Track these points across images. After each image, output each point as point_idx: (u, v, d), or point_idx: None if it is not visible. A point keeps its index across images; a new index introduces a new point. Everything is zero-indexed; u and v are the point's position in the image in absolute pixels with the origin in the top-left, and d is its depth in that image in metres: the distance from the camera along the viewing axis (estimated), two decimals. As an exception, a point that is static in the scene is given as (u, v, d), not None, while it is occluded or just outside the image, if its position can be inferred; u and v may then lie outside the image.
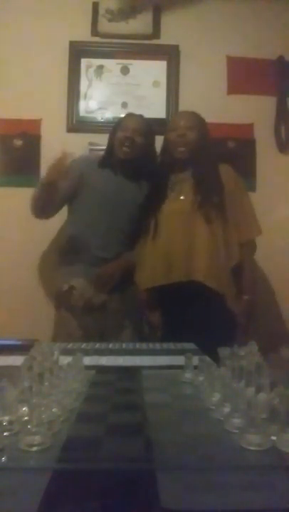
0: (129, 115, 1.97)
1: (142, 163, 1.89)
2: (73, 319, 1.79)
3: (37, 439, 0.54)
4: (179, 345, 1.25)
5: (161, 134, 2.25)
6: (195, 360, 0.86)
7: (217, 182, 1.76)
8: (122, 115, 2.24)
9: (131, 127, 1.86)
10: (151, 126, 1.95)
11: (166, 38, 2.33)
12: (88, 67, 2.31)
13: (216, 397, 0.70)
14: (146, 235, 1.79)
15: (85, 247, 1.82)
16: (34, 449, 0.54)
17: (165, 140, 1.87)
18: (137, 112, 2.27)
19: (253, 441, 0.54)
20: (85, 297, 1.78)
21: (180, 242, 1.72)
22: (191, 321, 1.60)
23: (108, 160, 1.90)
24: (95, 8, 2.29)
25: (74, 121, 2.27)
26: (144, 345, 1.30)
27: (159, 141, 2.24)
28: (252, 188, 2.19)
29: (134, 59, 2.31)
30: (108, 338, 1.71)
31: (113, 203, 1.84)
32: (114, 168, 1.89)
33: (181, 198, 1.78)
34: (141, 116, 1.96)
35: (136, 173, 1.90)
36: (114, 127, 1.92)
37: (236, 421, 0.60)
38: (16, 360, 0.88)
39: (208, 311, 1.62)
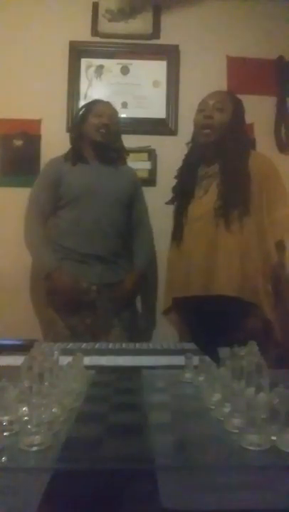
0: (99, 102, 1.98)
1: (115, 149, 1.94)
2: (60, 319, 1.77)
3: (37, 439, 0.54)
4: (179, 345, 1.25)
5: (160, 133, 2.27)
6: (195, 360, 0.86)
7: (244, 180, 1.54)
8: (123, 115, 2.26)
9: (107, 113, 1.89)
10: (118, 114, 2.00)
11: (166, 38, 2.33)
12: (88, 67, 2.30)
13: (216, 397, 0.70)
14: (174, 239, 1.67)
15: (71, 248, 1.81)
16: (34, 449, 0.54)
17: (194, 124, 1.67)
18: (137, 111, 2.29)
19: (253, 441, 0.54)
20: (73, 279, 1.76)
21: (200, 252, 1.54)
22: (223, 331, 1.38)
23: (78, 151, 1.90)
24: (95, 8, 2.29)
25: (74, 121, 2.26)
26: (144, 345, 1.29)
27: (159, 140, 2.26)
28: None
29: (134, 59, 2.31)
30: (97, 337, 1.70)
31: (94, 196, 1.83)
32: (86, 158, 1.89)
33: (204, 195, 1.60)
34: (110, 103, 1.98)
35: (110, 158, 1.91)
36: (82, 113, 1.93)
37: (236, 421, 0.60)
38: (16, 360, 0.88)
39: (242, 322, 1.44)
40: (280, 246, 1.58)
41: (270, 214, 1.55)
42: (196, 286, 1.53)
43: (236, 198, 1.52)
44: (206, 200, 1.60)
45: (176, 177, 1.76)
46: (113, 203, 1.86)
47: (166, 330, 1.95)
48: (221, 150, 1.58)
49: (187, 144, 1.75)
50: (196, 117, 1.65)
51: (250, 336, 1.31)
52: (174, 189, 1.75)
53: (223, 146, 1.57)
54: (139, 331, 1.96)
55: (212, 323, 1.37)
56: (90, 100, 2.02)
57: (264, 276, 1.52)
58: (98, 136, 1.85)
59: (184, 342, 1.51)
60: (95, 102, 1.97)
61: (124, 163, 2.00)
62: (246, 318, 1.45)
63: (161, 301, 1.83)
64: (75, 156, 1.88)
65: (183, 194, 1.68)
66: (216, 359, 0.80)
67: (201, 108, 1.64)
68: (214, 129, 1.58)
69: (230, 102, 1.63)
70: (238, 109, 1.64)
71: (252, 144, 2.10)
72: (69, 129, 2.25)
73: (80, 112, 1.96)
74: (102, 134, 1.85)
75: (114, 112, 1.95)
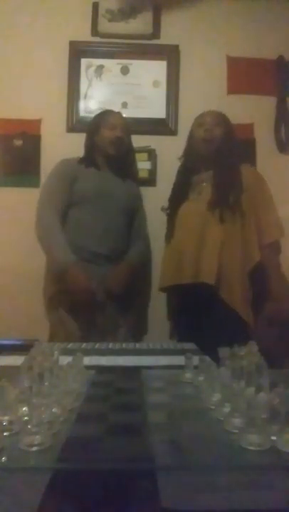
0: (111, 113, 2.01)
1: (126, 159, 1.98)
2: (72, 320, 1.78)
3: (37, 439, 0.54)
4: (179, 345, 1.25)
5: (160, 133, 2.27)
6: (195, 360, 0.86)
7: (236, 183, 1.74)
8: (124, 115, 2.25)
9: (119, 126, 1.92)
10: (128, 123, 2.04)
11: (166, 38, 2.33)
12: (88, 67, 2.30)
13: (216, 397, 0.70)
14: (166, 238, 1.84)
15: (82, 246, 1.81)
16: (34, 449, 0.54)
17: (190, 137, 1.87)
18: (137, 111, 2.29)
19: (253, 441, 0.54)
20: (85, 280, 1.75)
21: (192, 242, 1.70)
22: (202, 322, 1.61)
23: (91, 158, 1.93)
24: (95, 8, 2.29)
25: (74, 121, 2.26)
26: (144, 345, 1.29)
27: (159, 140, 2.25)
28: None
29: (134, 59, 2.31)
30: (105, 337, 1.71)
31: (104, 198, 1.86)
32: (98, 165, 1.92)
33: (197, 197, 1.78)
34: (120, 113, 2.02)
35: (120, 169, 1.95)
36: (95, 124, 1.96)
37: (236, 421, 0.60)
38: (16, 360, 0.88)
39: (218, 314, 1.61)
40: (274, 246, 1.74)
41: (261, 218, 1.73)
42: (186, 275, 1.69)
43: (229, 194, 1.71)
44: (199, 200, 1.77)
45: (173, 189, 1.92)
46: (120, 209, 1.91)
47: (166, 330, 1.95)
48: (216, 159, 1.78)
49: (179, 158, 1.92)
50: (195, 131, 1.84)
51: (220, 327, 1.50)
52: (170, 203, 1.90)
53: (219, 155, 1.78)
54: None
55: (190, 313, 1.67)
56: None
57: (242, 271, 1.67)
58: (112, 150, 1.90)
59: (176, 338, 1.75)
60: (108, 113, 2.00)
61: (132, 179, 2.04)
62: (209, 302, 1.64)
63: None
64: (89, 161, 1.92)
65: (177, 199, 1.85)
66: (216, 359, 0.80)
67: (200, 122, 1.84)
68: (214, 141, 1.79)
69: (223, 120, 1.85)
70: (230, 127, 1.86)
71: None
72: (69, 129, 2.25)
73: (93, 122, 1.99)
74: (115, 147, 1.90)
75: (127, 123, 1.98)
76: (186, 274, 1.69)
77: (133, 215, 1.99)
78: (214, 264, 1.64)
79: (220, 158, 1.77)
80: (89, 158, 1.94)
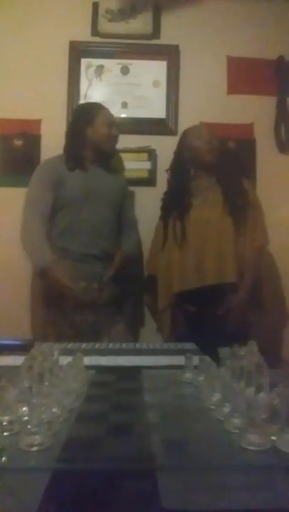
0: (103, 108, 1.95)
1: (114, 155, 1.99)
2: (62, 319, 1.77)
3: (37, 439, 0.54)
4: (179, 345, 1.25)
5: (160, 133, 2.27)
6: (195, 360, 0.86)
7: (242, 189, 1.88)
8: (123, 115, 2.26)
9: (115, 124, 1.92)
10: None
11: (166, 38, 2.32)
12: (88, 67, 2.30)
13: (216, 397, 0.70)
14: (172, 242, 1.86)
15: (72, 249, 1.81)
16: (34, 449, 0.54)
17: (191, 148, 1.93)
18: (137, 111, 2.29)
19: (253, 441, 0.54)
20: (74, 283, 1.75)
21: (210, 247, 1.81)
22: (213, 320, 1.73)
23: (76, 157, 1.88)
24: (95, 8, 2.29)
25: (74, 121, 2.26)
26: (144, 345, 1.30)
27: (159, 140, 2.26)
28: (252, 187, 2.19)
29: (134, 59, 2.31)
30: (100, 334, 1.71)
31: (92, 198, 1.84)
32: (85, 164, 1.88)
33: (203, 204, 1.88)
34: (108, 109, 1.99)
35: (108, 164, 1.95)
36: (87, 117, 1.89)
37: (236, 421, 0.60)
38: (16, 360, 0.88)
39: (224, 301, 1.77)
40: (260, 250, 1.90)
41: (250, 223, 1.85)
42: (209, 277, 1.79)
43: (239, 202, 1.84)
44: (208, 206, 1.87)
45: (165, 198, 1.99)
46: (108, 205, 1.89)
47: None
48: (218, 168, 1.90)
49: (166, 170, 2.00)
50: (196, 143, 1.91)
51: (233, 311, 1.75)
52: (163, 209, 1.97)
53: (220, 165, 1.90)
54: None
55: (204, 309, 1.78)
56: (89, 102, 2.02)
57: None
58: (108, 147, 1.90)
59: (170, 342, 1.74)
60: (100, 108, 1.94)
61: (117, 171, 2.04)
62: (228, 297, 1.78)
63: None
64: (73, 161, 1.87)
65: (177, 206, 1.90)
66: (216, 359, 0.80)
67: (198, 136, 1.92)
68: (216, 150, 1.90)
69: (214, 133, 1.96)
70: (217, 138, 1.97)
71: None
72: (70, 136, 2.24)
73: (84, 113, 1.92)
74: (112, 145, 1.91)
75: (116, 120, 1.98)
76: (208, 276, 1.79)
77: (121, 206, 1.97)
78: (234, 266, 1.79)
79: (222, 168, 1.91)
80: (75, 156, 1.88)
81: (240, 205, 1.84)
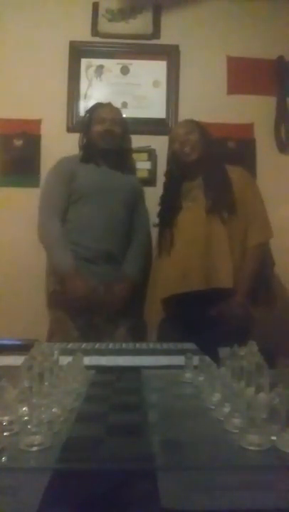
0: (101, 105, 2.00)
1: (123, 152, 1.97)
2: (69, 320, 1.77)
3: (37, 439, 0.54)
4: (179, 345, 1.25)
5: (160, 133, 2.27)
6: (195, 360, 0.86)
7: (226, 182, 1.76)
8: (123, 115, 2.25)
9: (108, 119, 1.91)
10: (121, 113, 2.03)
11: (166, 38, 2.33)
12: (88, 67, 2.30)
13: (216, 397, 0.70)
14: (163, 249, 1.80)
15: (82, 244, 1.81)
16: (34, 449, 0.54)
17: (170, 153, 1.89)
18: (137, 111, 2.29)
19: (253, 441, 0.54)
20: (83, 282, 1.75)
21: (198, 249, 1.69)
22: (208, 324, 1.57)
23: (89, 154, 1.93)
24: (95, 8, 2.29)
25: (74, 121, 2.26)
26: (144, 345, 1.29)
27: (159, 140, 2.26)
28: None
29: (134, 59, 2.31)
30: (103, 337, 1.71)
31: (104, 194, 1.86)
32: (96, 160, 1.91)
33: (192, 205, 1.78)
34: (111, 104, 2.01)
35: (118, 163, 1.94)
36: (87, 119, 1.97)
37: (236, 421, 0.60)
38: (16, 360, 0.88)
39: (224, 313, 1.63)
40: (258, 250, 1.75)
41: (249, 218, 1.74)
42: (195, 282, 1.67)
43: (222, 195, 1.73)
44: (195, 207, 1.77)
45: (160, 204, 1.92)
46: (121, 204, 1.90)
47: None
48: (201, 164, 1.79)
49: (165, 174, 1.94)
50: (173, 146, 1.85)
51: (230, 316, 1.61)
52: (160, 215, 1.91)
53: (202, 159, 1.79)
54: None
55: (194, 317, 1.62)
56: (92, 103, 2.05)
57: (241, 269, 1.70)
58: (103, 144, 1.90)
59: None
60: (97, 107, 1.99)
61: (130, 172, 2.03)
62: (222, 302, 1.66)
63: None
64: (87, 157, 1.92)
65: (170, 210, 1.84)
66: (216, 359, 0.80)
67: (174, 138, 1.86)
68: (194, 147, 1.80)
69: (193, 125, 1.86)
70: (203, 129, 1.87)
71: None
72: (69, 129, 2.25)
73: (86, 118, 1.99)
74: (106, 141, 1.89)
75: (117, 114, 1.97)
76: (195, 281, 1.66)
77: (133, 209, 1.97)
78: (229, 268, 1.65)
79: (205, 162, 1.79)
80: (87, 155, 1.93)
81: (227, 200, 1.71)
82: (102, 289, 1.79)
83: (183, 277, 1.69)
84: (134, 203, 1.98)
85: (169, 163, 1.93)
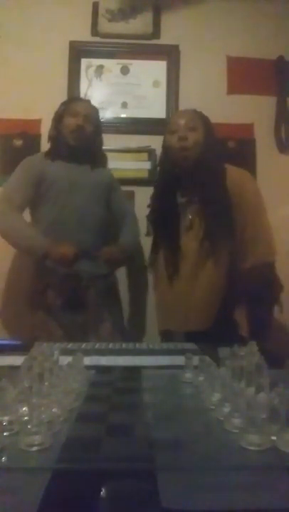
0: (77, 100, 1.96)
1: (92, 150, 1.88)
2: (52, 320, 1.73)
3: (37, 439, 0.54)
4: (179, 345, 1.25)
5: (160, 133, 2.27)
6: (195, 360, 0.85)
7: (226, 205, 1.48)
8: (123, 115, 2.25)
9: (82, 113, 1.83)
10: (98, 112, 1.95)
11: (166, 38, 2.33)
12: (88, 67, 2.31)
13: (216, 397, 0.70)
14: (168, 276, 1.57)
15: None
16: (34, 449, 0.54)
17: (164, 146, 1.60)
18: (137, 111, 2.29)
19: (253, 441, 0.54)
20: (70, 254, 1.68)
21: (181, 285, 1.52)
22: None
23: (56, 148, 1.86)
24: (95, 8, 2.29)
25: (74, 121, 2.26)
26: (144, 345, 1.29)
27: (159, 140, 2.25)
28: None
29: (134, 59, 2.31)
30: (88, 333, 1.69)
31: (73, 191, 1.81)
32: (65, 156, 1.84)
33: (190, 233, 1.53)
34: (89, 101, 1.96)
35: (86, 159, 1.87)
36: (59, 113, 1.87)
37: (236, 421, 0.60)
38: (16, 360, 0.88)
39: None
40: (258, 270, 1.49)
41: (249, 234, 1.49)
42: (190, 324, 1.49)
43: (221, 232, 1.46)
44: (192, 234, 1.53)
45: (149, 205, 1.70)
46: (93, 201, 1.85)
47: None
48: (199, 174, 1.49)
49: (156, 167, 1.70)
50: (169, 139, 1.55)
51: None
52: (150, 218, 1.69)
53: (201, 171, 1.48)
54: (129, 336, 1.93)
55: None
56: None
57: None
58: (71, 139, 1.82)
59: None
60: (72, 101, 1.94)
61: (100, 166, 1.95)
62: None
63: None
64: (54, 153, 1.86)
65: (165, 226, 1.58)
66: (216, 359, 0.80)
67: (173, 129, 1.55)
68: (191, 150, 1.50)
69: (199, 120, 1.56)
70: (209, 126, 1.57)
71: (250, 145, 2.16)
72: (50, 132, 2.23)
73: (58, 110, 1.90)
74: (74, 136, 1.81)
75: (92, 112, 1.89)
76: (174, 321, 1.54)
77: (108, 200, 1.92)
78: (203, 312, 1.47)
79: (203, 170, 1.49)
80: (54, 150, 1.86)
81: (226, 227, 1.45)
82: (85, 284, 1.75)
83: (165, 314, 1.59)
84: (108, 195, 1.92)
85: (161, 162, 1.67)
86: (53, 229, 1.78)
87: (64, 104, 1.91)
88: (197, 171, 1.50)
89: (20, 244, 1.80)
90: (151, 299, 2.17)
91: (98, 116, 1.95)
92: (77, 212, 1.80)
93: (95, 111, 1.93)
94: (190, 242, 1.52)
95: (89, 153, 1.88)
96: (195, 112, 1.62)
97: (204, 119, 1.58)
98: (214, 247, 1.47)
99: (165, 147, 1.60)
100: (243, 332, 1.44)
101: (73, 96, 2.21)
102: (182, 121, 1.55)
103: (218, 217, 1.47)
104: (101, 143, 1.95)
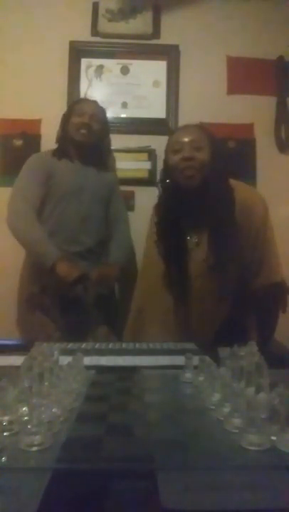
0: (84, 100, 1.99)
1: (98, 149, 1.91)
2: (50, 321, 1.73)
3: (37, 439, 0.54)
4: (179, 345, 1.25)
5: (160, 133, 2.27)
6: (195, 360, 0.85)
7: (233, 230, 1.38)
8: (123, 115, 2.25)
9: (88, 113, 1.86)
10: (105, 113, 1.97)
11: (166, 38, 2.33)
12: (88, 67, 2.31)
13: (216, 397, 0.70)
14: (175, 298, 1.47)
15: (59, 243, 1.76)
16: (34, 449, 0.54)
17: (166, 166, 1.46)
18: (137, 111, 2.29)
19: (253, 441, 0.54)
20: (75, 270, 1.68)
21: (185, 305, 1.45)
22: None
23: (63, 147, 1.89)
24: (95, 8, 2.30)
25: (74, 121, 2.26)
26: (144, 345, 1.29)
27: (159, 140, 2.26)
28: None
29: (134, 59, 2.31)
30: (85, 335, 1.66)
31: (78, 191, 1.83)
32: (70, 155, 1.87)
33: (195, 253, 1.45)
34: (96, 102, 1.97)
35: (92, 159, 1.90)
36: (66, 113, 1.92)
37: (236, 421, 0.60)
38: (16, 360, 0.88)
39: None
40: (278, 286, 1.44)
41: (261, 257, 1.43)
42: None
43: (228, 254, 1.38)
44: (198, 253, 1.44)
45: (157, 233, 1.51)
46: (96, 201, 1.87)
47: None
48: (205, 196, 1.38)
49: (156, 184, 1.56)
50: (170, 159, 1.41)
51: None
52: (155, 240, 1.51)
53: (207, 192, 1.37)
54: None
55: None
56: (78, 99, 2.02)
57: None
58: (78, 136, 1.85)
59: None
60: (79, 101, 1.98)
61: (106, 169, 1.97)
62: None
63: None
64: (61, 152, 1.88)
65: (170, 248, 1.48)
66: (216, 359, 0.80)
67: (176, 148, 1.40)
68: (197, 171, 1.37)
69: (205, 137, 1.42)
70: (215, 143, 1.45)
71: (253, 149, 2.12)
72: (58, 132, 2.24)
73: (66, 110, 1.95)
74: (81, 134, 1.84)
75: (98, 112, 1.92)
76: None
77: (109, 201, 1.94)
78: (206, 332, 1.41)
79: (209, 195, 1.37)
80: (61, 149, 1.89)
81: (234, 253, 1.37)
82: (82, 287, 1.73)
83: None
84: (109, 198, 1.94)
85: (162, 181, 1.50)
86: (56, 228, 1.79)
87: (71, 105, 1.95)
88: (203, 193, 1.38)
89: (32, 248, 1.79)
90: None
91: (105, 116, 1.97)
92: (80, 212, 1.82)
93: (102, 111, 1.95)
94: (195, 263, 1.45)
95: (95, 154, 1.91)
96: (200, 128, 1.49)
97: (210, 136, 1.45)
98: (220, 268, 1.38)
99: (167, 167, 1.46)
100: (251, 337, 1.40)
101: (79, 97, 2.23)
102: (187, 140, 1.40)
103: (224, 240, 1.39)
104: (109, 143, 1.98)
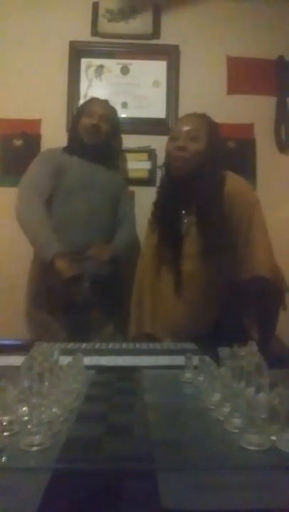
0: (94, 100, 1.99)
1: (108, 149, 1.92)
2: (56, 321, 1.73)
3: (37, 439, 0.54)
4: (179, 345, 1.25)
5: (160, 133, 2.27)
6: (195, 360, 0.86)
7: (221, 218, 1.42)
8: (123, 115, 2.25)
9: (97, 113, 1.88)
10: (116, 112, 1.99)
11: (166, 38, 2.33)
12: (88, 67, 2.31)
13: (216, 397, 0.70)
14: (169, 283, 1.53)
15: (68, 239, 1.75)
16: (34, 449, 0.54)
17: (166, 151, 1.54)
18: (137, 111, 2.29)
19: (253, 441, 0.54)
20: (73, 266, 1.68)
21: (175, 292, 1.50)
22: None
23: (73, 146, 1.91)
24: (95, 8, 2.29)
25: (74, 122, 2.26)
26: (144, 345, 1.29)
27: (159, 140, 2.26)
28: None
29: (134, 59, 2.31)
30: (91, 335, 1.68)
31: (87, 187, 1.84)
32: (80, 153, 1.89)
33: (186, 239, 1.49)
34: (107, 101, 1.99)
35: (101, 159, 1.91)
36: (77, 112, 1.95)
37: (236, 421, 0.60)
38: (16, 360, 0.88)
39: None
40: (266, 281, 1.42)
41: (251, 249, 1.44)
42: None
43: (216, 243, 1.42)
44: (188, 242, 1.50)
45: (152, 213, 1.62)
46: (105, 199, 1.88)
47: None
48: (195, 185, 1.42)
49: (160, 167, 1.68)
50: (168, 146, 1.50)
51: None
52: (152, 222, 1.60)
53: (197, 182, 1.41)
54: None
55: None
56: (89, 98, 2.02)
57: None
58: (86, 138, 1.86)
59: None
60: (91, 101, 1.98)
61: (116, 168, 1.99)
62: None
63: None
64: (70, 150, 1.90)
65: (165, 232, 1.54)
66: (216, 359, 0.80)
67: (174, 136, 1.48)
68: (187, 161, 1.42)
69: (204, 127, 1.47)
70: (213, 134, 1.48)
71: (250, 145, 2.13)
72: (69, 129, 2.25)
73: (77, 110, 1.98)
74: (90, 135, 1.86)
75: (108, 112, 1.94)
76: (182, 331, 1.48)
77: (117, 201, 1.95)
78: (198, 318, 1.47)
79: (199, 184, 1.41)
80: (70, 148, 1.91)
81: (222, 243, 1.40)
82: (88, 286, 1.73)
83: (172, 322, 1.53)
84: (118, 197, 1.96)
85: (164, 165, 1.58)
86: (62, 224, 1.79)
87: (81, 105, 1.97)
88: (193, 182, 1.43)
89: (33, 239, 1.78)
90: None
91: (116, 116, 1.99)
92: (88, 209, 1.82)
93: (112, 110, 1.97)
94: (186, 250, 1.49)
95: (105, 153, 1.92)
96: (202, 117, 1.52)
97: (210, 126, 1.49)
98: (209, 257, 1.43)
99: (166, 153, 1.54)
100: (252, 336, 1.42)
101: (79, 97, 2.24)
102: (184, 129, 1.46)
103: (213, 228, 1.41)
104: (120, 143, 2.00)
